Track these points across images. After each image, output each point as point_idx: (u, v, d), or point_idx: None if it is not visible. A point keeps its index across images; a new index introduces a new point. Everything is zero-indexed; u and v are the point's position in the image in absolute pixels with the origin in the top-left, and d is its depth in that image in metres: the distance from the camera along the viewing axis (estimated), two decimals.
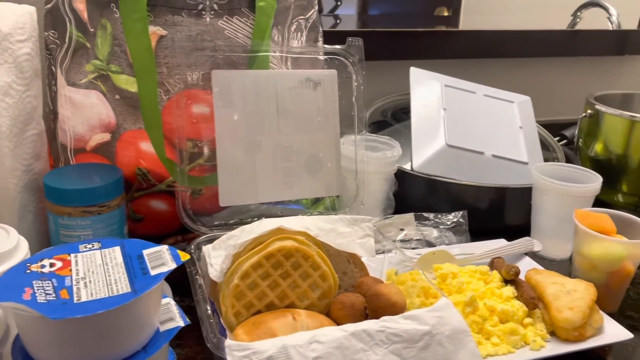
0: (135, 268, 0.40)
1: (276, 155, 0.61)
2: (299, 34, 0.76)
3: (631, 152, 0.83)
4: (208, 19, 0.57)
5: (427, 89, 0.90)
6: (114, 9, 0.56)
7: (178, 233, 0.68)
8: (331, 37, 0.98)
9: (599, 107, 0.87)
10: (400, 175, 0.82)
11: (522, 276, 0.65)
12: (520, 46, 1.12)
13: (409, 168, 0.82)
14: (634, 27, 1.20)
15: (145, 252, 0.42)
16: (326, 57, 0.65)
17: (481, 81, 1.12)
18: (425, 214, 0.77)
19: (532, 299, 0.59)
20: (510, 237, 0.77)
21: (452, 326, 0.47)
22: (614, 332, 0.57)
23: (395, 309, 0.53)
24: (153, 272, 0.39)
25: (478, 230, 0.79)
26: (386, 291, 0.54)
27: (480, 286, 0.62)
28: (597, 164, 0.89)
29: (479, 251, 0.71)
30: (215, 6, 0.57)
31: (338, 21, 1.10)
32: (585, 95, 1.22)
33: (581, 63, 1.20)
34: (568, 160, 0.93)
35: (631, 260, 0.62)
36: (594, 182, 0.72)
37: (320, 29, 0.81)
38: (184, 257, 0.41)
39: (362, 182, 0.68)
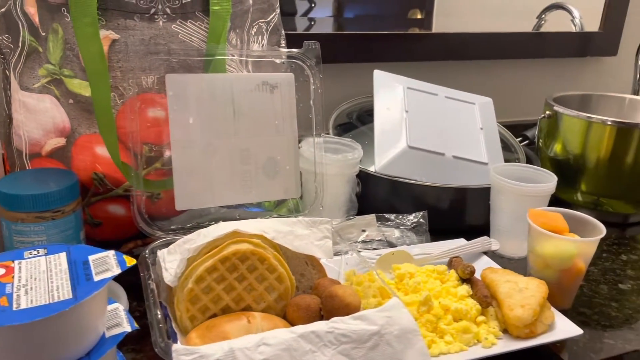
0: (79, 274, 0.40)
1: (233, 158, 0.61)
2: (260, 37, 0.76)
3: (588, 152, 0.85)
4: (161, 23, 0.57)
5: (390, 91, 0.91)
6: (65, 13, 0.55)
7: (138, 237, 0.68)
8: (296, 39, 0.98)
9: (557, 108, 0.89)
10: (364, 177, 0.83)
11: (478, 275, 0.66)
12: (486, 48, 1.14)
13: (373, 170, 0.83)
14: (595, 29, 1.23)
15: (91, 257, 0.42)
16: (282, 60, 0.65)
17: (448, 83, 1.14)
18: (386, 215, 0.78)
19: (486, 298, 0.60)
20: (471, 237, 0.79)
21: (401, 326, 0.48)
22: (564, 328, 0.58)
23: (349, 309, 0.53)
24: (97, 278, 0.39)
25: (440, 230, 0.80)
26: (340, 292, 0.54)
27: (436, 285, 0.63)
28: (556, 164, 0.91)
29: (438, 251, 0.72)
30: (168, 10, 0.57)
31: (312, 23, 1.10)
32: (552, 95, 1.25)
33: (545, 64, 1.22)
34: (529, 160, 0.95)
35: (582, 258, 0.63)
36: (549, 181, 0.74)
37: (283, 32, 0.82)
38: (130, 262, 0.41)
39: (322, 184, 0.68)
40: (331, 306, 0.54)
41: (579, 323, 0.63)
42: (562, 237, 0.62)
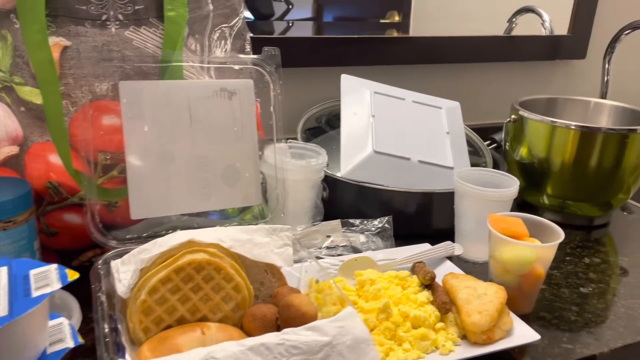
0: (18, 289, 0.39)
1: (191, 166, 0.60)
2: (223, 42, 0.75)
3: (553, 156, 0.86)
4: (113, 30, 0.56)
5: (357, 96, 0.90)
6: (14, 20, 0.54)
7: (97, 246, 0.66)
8: (267, 44, 0.98)
9: (522, 112, 0.89)
10: (331, 182, 0.83)
11: (440, 280, 0.66)
12: (457, 52, 1.14)
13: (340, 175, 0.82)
14: (565, 32, 1.24)
15: (32, 272, 0.41)
16: (240, 67, 0.65)
17: (418, 87, 1.14)
18: (351, 221, 0.78)
19: (444, 304, 0.60)
20: (437, 241, 0.79)
21: (353, 336, 0.47)
22: (523, 334, 0.59)
23: (305, 319, 0.53)
24: (35, 294, 0.38)
25: (406, 235, 0.80)
26: (297, 302, 0.54)
27: (397, 292, 0.63)
28: (522, 167, 0.91)
29: (401, 256, 0.72)
30: (120, 16, 0.56)
31: (290, 25, 1.10)
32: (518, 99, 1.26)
33: (516, 68, 1.23)
34: (496, 163, 0.95)
35: (541, 263, 0.64)
36: (512, 186, 0.74)
37: (248, 37, 0.81)
38: (72, 276, 0.40)
39: (283, 191, 0.68)
40: (287, 316, 0.54)
41: (539, 328, 0.64)
42: (520, 243, 0.63)
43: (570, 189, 0.87)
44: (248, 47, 0.82)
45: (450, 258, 0.75)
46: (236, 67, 0.64)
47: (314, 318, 0.53)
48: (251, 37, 0.81)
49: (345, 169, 0.82)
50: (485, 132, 1.20)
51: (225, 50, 0.76)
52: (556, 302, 0.69)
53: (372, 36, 1.07)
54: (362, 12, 1.10)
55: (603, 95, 1.20)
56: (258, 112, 0.80)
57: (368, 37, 1.06)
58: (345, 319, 0.48)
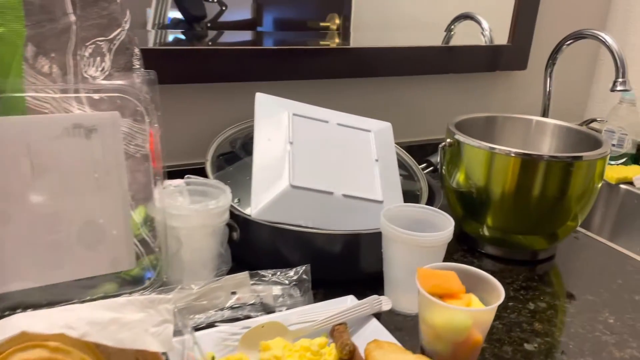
0: None
1: (34, 226, 0.47)
2: (99, 59, 0.62)
3: (492, 184, 0.77)
4: None
5: (273, 119, 0.78)
6: None
7: None
8: (164, 57, 0.84)
9: (458, 136, 0.80)
10: (242, 222, 0.70)
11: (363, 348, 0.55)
12: (391, 64, 1.04)
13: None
14: (504, 42, 1.17)
15: None
16: (102, 95, 0.51)
17: (349, 104, 1.03)
18: (262, 272, 0.66)
19: None
20: (366, 288, 0.69)
21: None
22: None
23: None
24: None
25: (331, 282, 0.70)
26: None
27: None
28: (460, 196, 0.82)
29: (319, 317, 0.60)
30: None
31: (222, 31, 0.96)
32: (459, 113, 1.17)
33: (454, 80, 1.14)
34: (431, 191, 0.86)
35: (479, 328, 0.53)
36: (446, 227, 0.64)
37: (136, 50, 0.68)
38: None
39: (165, 243, 0.55)
40: None
41: None
42: (453, 307, 0.52)
43: (512, 220, 0.78)
44: (137, 64, 0.68)
45: (378, 315, 0.64)
46: (96, 96, 0.51)
47: None
48: (145, 50, 0.68)
49: (256, 208, 0.70)
50: (423, 150, 1.11)
51: (103, 69, 0.62)
52: None
53: (296, 47, 0.95)
54: (302, 14, 0.99)
55: (545, 107, 1.13)
56: (152, 140, 0.67)
57: (292, 49, 0.94)
58: None
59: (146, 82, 0.53)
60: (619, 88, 0.94)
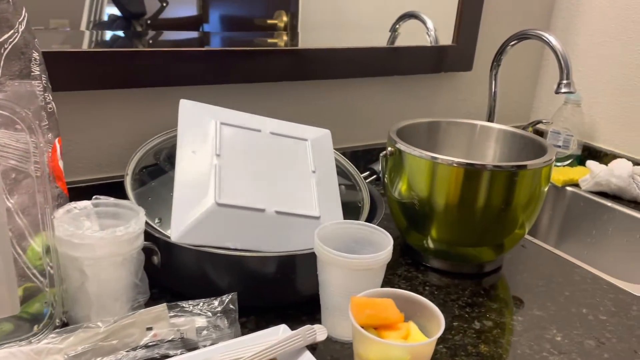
0: None
1: None
2: None
3: (436, 195, 0.72)
4: None
5: (199, 129, 0.71)
6: None
7: None
8: (74, 61, 0.76)
9: (399, 145, 0.75)
10: (163, 245, 0.63)
11: None
12: (333, 66, 0.98)
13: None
14: (449, 42, 1.13)
15: None
16: None
17: (287, 110, 0.97)
18: (181, 303, 0.59)
19: None
20: (303, 313, 0.64)
21: None
22: None
23: None
24: None
25: (265, 308, 0.64)
26: None
27: None
28: (403, 207, 0.77)
29: (247, 353, 0.54)
30: None
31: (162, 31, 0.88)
32: (404, 116, 1.13)
33: (399, 82, 1.10)
34: (373, 202, 0.81)
35: None
36: (385, 247, 0.59)
37: (36, 55, 0.60)
38: None
39: (59, 277, 0.47)
40: None
41: None
42: (388, 343, 0.47)
43: (456, 231, 0.74)
44: (37, 69, 0.60)
45: (311, 347, 0.59)
46: None
47: None
48: (48, 54, 0.60)
49: (177, 231, 0.63)
50: (369, 155, 1.06)
51: None
52: None
53: (226, 49, 0.88)
54: (249, 11, 0.92)
55: (491, 109, 1.10)
56: (56, 152, 0.59)
57: (222, 50, 0.87)
58: None
59: (44, 90, 0.45)
60: (563, 90, 0.92)
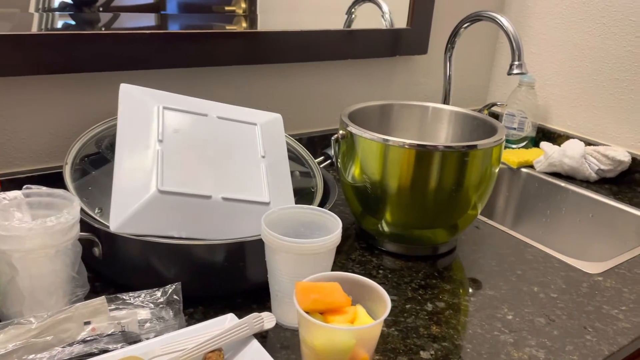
0: None
1: None
2: None
3: (388, 178, 0.71)
4: None
5: (140, 113, 0.68)
6: None
7: None
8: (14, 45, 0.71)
9: (351, 128, 0.73)
10: (104, 236, 0.61)
11: None
12: (287, 50, 0.96)
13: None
14: (404, 25, 1.12)
15: None
16: None
17: (236, 95, 0.95)
18: (123, 295, 0.56)
19: None
20: (253, 301, 0.63)
21: None
22: None
23: None
24: None
25: (214, 298, 0.62)
26: None
27: None
28: (357, 190, 0.76)
29: (191, 344, 0.52)
30: None
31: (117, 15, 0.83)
32: (360, 100, 1.12)
33: (355, 66, 1.08)
34: (326, 186, 0.79)
35: (364, 347, 0.48)
36: (334, 230, 0.58)
37: None
38: None
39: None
40: None
41: None
42: (332, 327, 0.46)
43: (410, 214, 0.74)
44: None
45: (260, 335, 0.57)
46: None
47: None
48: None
49: (116, 221, 0.60)
50: (325, 140, 1.05)
51: None
52: None
53: (171, 32, 0.84)
54: None
55: (446, 92, 1.10)
56: None
57: (166, 33, 0.84)
58: None
59: None
60: (515, 71, 0.92)
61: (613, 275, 0.75)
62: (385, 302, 0.49)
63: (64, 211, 0.53)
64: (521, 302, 0.68)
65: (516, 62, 0.92)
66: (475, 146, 0.69)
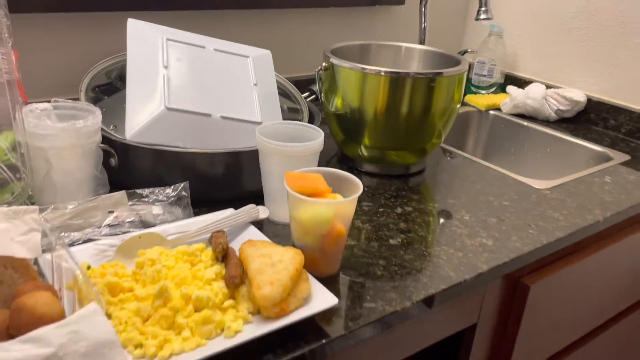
0: None
1: None
2: None
3: (366, 105, 0.82)
4: None
5: (147, 44, 0.78)
6: None
7: None
8: None
9: (333, 60, 0.83)
10: (120, 147, 0.70)
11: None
12: None
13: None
14: None
15: None
16: None
17: (228, 35, 1.03)
18: (139, 191, 0.67)
19: (232, 278, 0.52)
20: (247, 204, 0.72)
21: (91, 340, 0.37)
22: (321, 299, 0.53)
23: (43, 322, 0.42)
24: None
25: (213, 200, 0.72)
26: (31, 303, 0.42)
27: (183, 271, 0.54)
28: (339, 119, 0.87)
29: (197, 227, 0.63)
30: None
31: None
32: (330, 46, 1.20)
33: (335, 14, 1.17)
34: (312, 116, 0.90)
35: (340, 220, 0.59)
36: (316, 138, 0.69)
37: None
38: None
39: (28, 162, 0.54)
40: (19, 322, 0.42)
41: (344, 288, 0.59)
42: (315, 201, 0.57)
43: (385, 138, 0.85)
44: None
45: (260, 222, 0.68)
46: None
47: (55, 319, 0.42)
48: None
49: (131, 131, 0.70)
50: (306, 84, 1.14)
51: None
52: (364, 258, 0.65)
53: None
54: None
55: (422, 42, 1.20)
56: (16, 64, 0.65)
57: None
58: (80, 321, 0.38)
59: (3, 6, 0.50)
60: (482, 17, 1.02)
61: (559, 189, 0.87)
62: (358, 186, 0.60)
63: (90, 117, 0.63)
64: (477, 207, 0.80)
65: (483, 8, 1.02)
66: (441, 73, 0.80)
